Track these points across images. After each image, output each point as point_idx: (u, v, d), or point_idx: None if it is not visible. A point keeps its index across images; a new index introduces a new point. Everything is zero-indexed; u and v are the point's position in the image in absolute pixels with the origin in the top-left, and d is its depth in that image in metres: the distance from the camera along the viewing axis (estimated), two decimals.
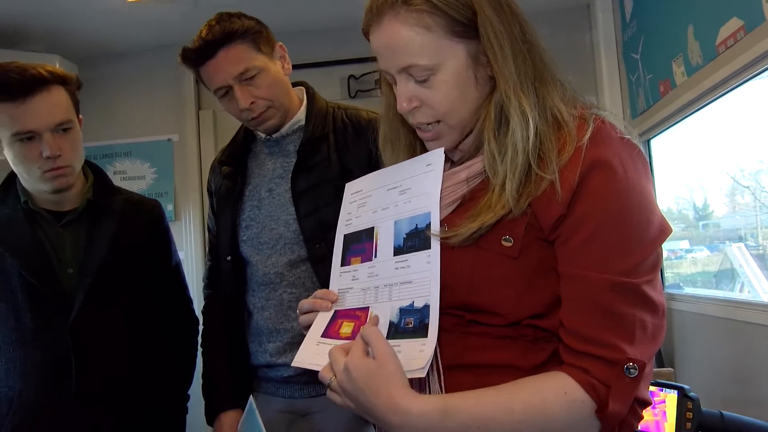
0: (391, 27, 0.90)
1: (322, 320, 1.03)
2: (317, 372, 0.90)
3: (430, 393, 0.87)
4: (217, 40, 1.42)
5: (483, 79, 0.92)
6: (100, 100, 3.20)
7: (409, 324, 0.89)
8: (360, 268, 1.02)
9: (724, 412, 1.37)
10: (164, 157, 3.31)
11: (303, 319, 1.06)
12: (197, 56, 1.45)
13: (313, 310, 1.05)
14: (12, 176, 1.56)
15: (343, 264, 1.06)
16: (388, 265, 0.97)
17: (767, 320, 1.71)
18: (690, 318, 2.27)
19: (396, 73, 0.92)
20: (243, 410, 1.49)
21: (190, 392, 1.70)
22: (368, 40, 0.95)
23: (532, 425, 0.79)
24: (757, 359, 1.78)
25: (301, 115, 1.58)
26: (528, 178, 0.86)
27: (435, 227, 0.91)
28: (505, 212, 0.86)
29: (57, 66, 1.60)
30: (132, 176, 3.30)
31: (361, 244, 1.03)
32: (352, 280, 1.03)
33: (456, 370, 0.88)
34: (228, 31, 1.43)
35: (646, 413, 1.39)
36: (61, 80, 1.47)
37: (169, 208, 3.22)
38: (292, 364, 1.01)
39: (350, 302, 1.01)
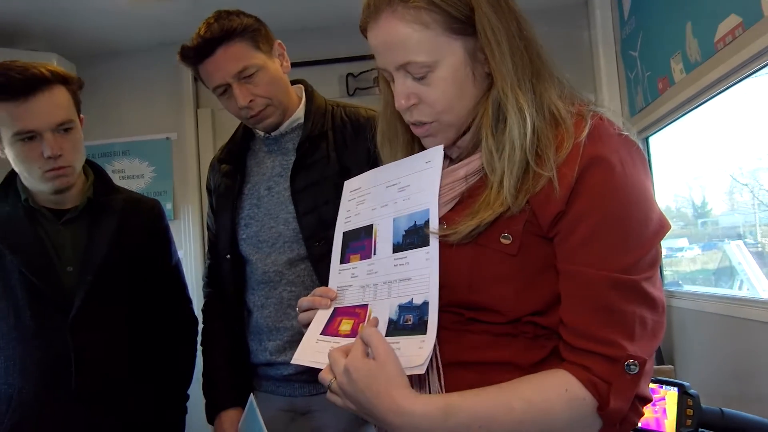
0: (388, 24, 0.90)
1: (321, 318, 1.03)
2: (317, 369, 0.90)
3: (429, 391, 0.87)
4: (216, 38, 1.42)
5: (480, 76, 0.92)
6: (98, 98, 3.20)
7: (408, 321, 0.89)
8: (359, 266, 1.02)
9: (724, 408, 1.37)
10: (163, 155, 3.31)
11: (302, 316, 1.06)
12: (196, 54, 1.45)
13: (313, 308, 1.05)
14: (12, 174, 1.56)
15: (342, 261, 1.06)
16: (387, 262, 0.97)
17: (766, 317, 1.71)
18: (689, 315, 2.27)
19: (394, 71, 0.92)
20: (243, 409, 1.49)
21: (190, 392, 1.70)
22: (366, 37, 0.95)
23: (534, 423, 0.79)
24: (756, 356, 1.79)
25: (299, 113, 1.58)
26: (526, 175, 0.86)
27: (434, 225, 0.91)
28: (503, 209, 0.86)
29: (55, 64, 1.60)
30: (130, 175, 3.30)
31: (360, 242, 1.03)
32: (351, 277, 1.02)
33: (456, 367, 0.88)
34: (227, 29, 1.42)
35: (647, 410, 1.38)
36: (63, 80, 1.47)
37: (167, 206, 3.22)
38: (291, 362, 1.01)
39: (349, 299, 1.01)
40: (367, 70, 3.11)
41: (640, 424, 1.39)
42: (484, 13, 0.88)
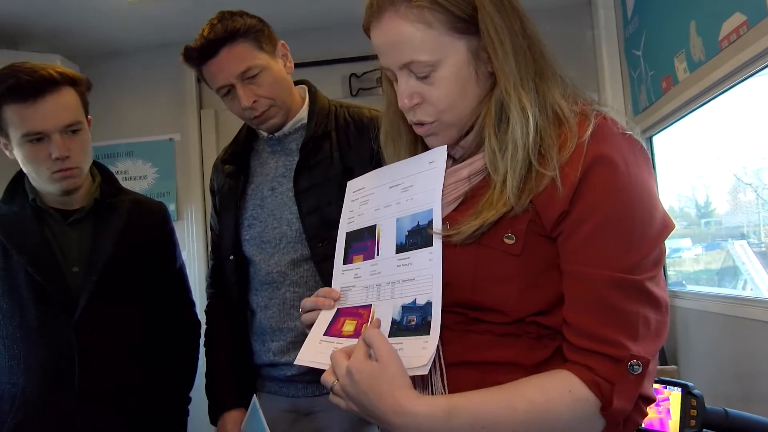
0: (391, 23, 0.89)
1: (324, 318, 1.02)
2: (320, 370, 0.90)
3: (432, 391, 0.87)
4: (219, 39, 1.42)
5: (484, 75, 0.92)
6: (101, 100, 3.19)
7: (411, 321, 0.89)
8: (362, 266, 1.02)
9: (728, 409, 1.36)
10: (166, 156, 3.31)
11: (305, 317, 1.06)
12: (199, 55, 1.45)
13: (316, 309, 1.05)
14: (20, 174, 1.57)
15: (345, 262, 1.06)
16: (390, 262, 0.97)
17: None
18: (693, 315, 2.27)
19: (397, 70, 0.92)
20: (246, 409, 1.49)
21: (193, 392, 1.70)
22: (369, 37, 0.95)
23: (537, 424, 0.79)
24: (760, 356, 1.78)
25: (303, 114, 1.58)
26: (529, 175, 0.86)
27: (437, 225, 0.91)
28: (506, 209, 0.86)
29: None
30: (134, 176, 3.30)
31: (363, 242, 1.03)
32: (355, 278, 1.02)
33: (459, 367, 0.88)
34: (230, 30, 1.42)
35: (651, 411, 1.38)
36: (71, 81, 1.48)
37: (171, 207, 3.22)
38: (294, 363, 1.01)
39: (353, 300, 1.01)
40: (370, 71, 3.11)
41: (643, 425, 1.39)
42: (488, 12, 0.88)
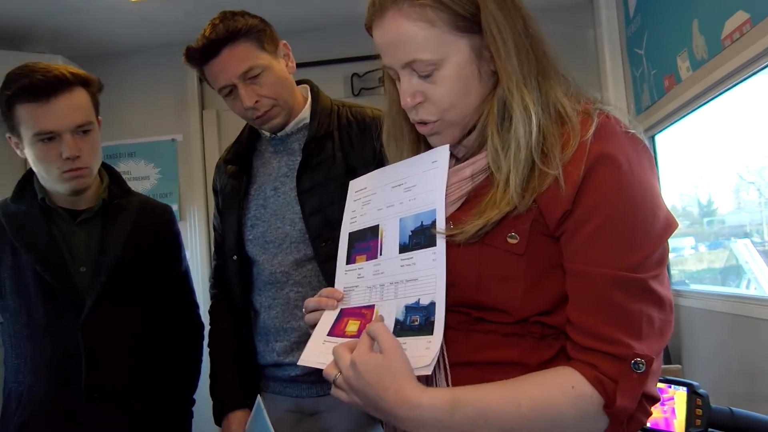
0: (394, 22, 0.89)
1: (327, 319, 1.02)
2: None
3: None
4: (221, 39, 1.42)
5: (486, 74, 0.92)
6: (104, 100, 3.16)
7: (414, 321, 0.89)
8: (365, 266, 1.02)
9: (733, 408, 1.36)
10: (168, 157, 3.32)
11: (309, 317, 1.06)
12: (201, 55, 1.45)
13: (319, 309, 1.05)
14: (30, 173, 1.58)
15: (348, 262, 1.06)
16: (393, 262, 0.96)
17: None
18: (698, 314, 2.26)
19: (399, 69, 0.92)
20: (251, 410, 1.49)
21: (197, 394, 1.71)
22: (371, 36, 0.95)
23: (540, 419, 0.79)
24: (765, 355, 1.78)
25: (305, 114, 1.58)
26: (532, 174, 0.86)
27: (440, 225, 0.91)
28: (510, 208, 0.85)
29: None
30: (136, 177, 3.30)
31: (366, 242, 1.03)
32: (358, 278, 1.02)
33: (463, 367, 0.88)
34: (232, 30, 1.42)
35: (656, 410, 1.38)
36: (84, 82, 1.49)
37: (173, 208, 3.22)
38: (298, 363, 1.01)
39: (356, 300, 1.01)
40: (372, 70, 3.11)
41: (649, 424, 1.39)
42: (490, 11, 0.87)
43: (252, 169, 1.63)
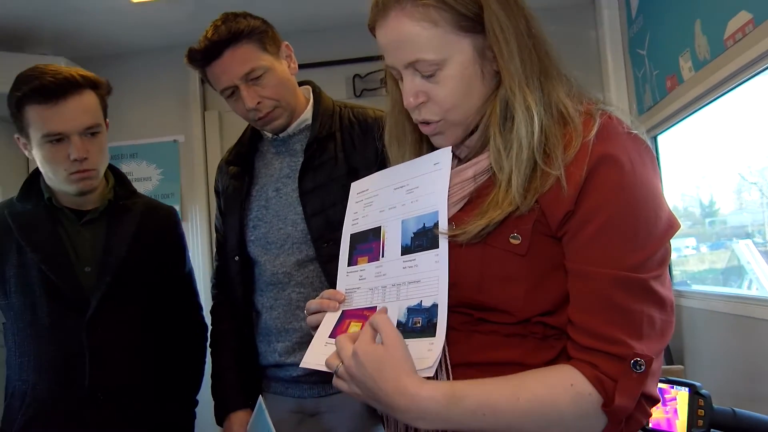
0: (397, 22, 0.89)
1: (329, 320, 1.02)
2: (326, 371, 0.90)
3: None
4: (223, 41, 1.43)
5: (489, 74, 0.92)
6: None
7: (417, 323, 0.89)
8: (367, 268, 1.02)
9: (736, 409, 1.36)
10: (170, 158, 3.32)
11: (311, 319, 1.06)
12: (203, 57, 1.45)
13: (321, 311, 1.05)
14: (36, 173, 1.59)
15: (349, 264, 1.06)
16: (395, 264, 0.96)
17: None
18: (700, 315, 2.26)
19: (402, 69, 0.92)
20: (252, 410, 1.49)
21: (199, 394, 1.71)
22: (374, 36, 0.95)
23: (538, 415, 0.80)
24: (767, 356, 1.77)
25: (307, 115, 1.58)
26: (534, 174, 0.86)
27: (443, 226, 0.91)
28: (512, 209, 0.85)
29: None
30: (138, 177, 3.30)
31: (368, 244, 1.03)
32: (360, 279, 1.02)
33: (464, 367, 0.88)
34: (234, 31, 1.43)
35: (658, 411, 1.38)
36: (93, 85, 1.50)
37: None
38: (300, 365, 1.01)
39: (358, 302, 1.01)
40: (374, 71, 3.11)
41: (651, 425, 1.39)
42: (493, 11, 0.87)
43: (254, 170, 1.63)
